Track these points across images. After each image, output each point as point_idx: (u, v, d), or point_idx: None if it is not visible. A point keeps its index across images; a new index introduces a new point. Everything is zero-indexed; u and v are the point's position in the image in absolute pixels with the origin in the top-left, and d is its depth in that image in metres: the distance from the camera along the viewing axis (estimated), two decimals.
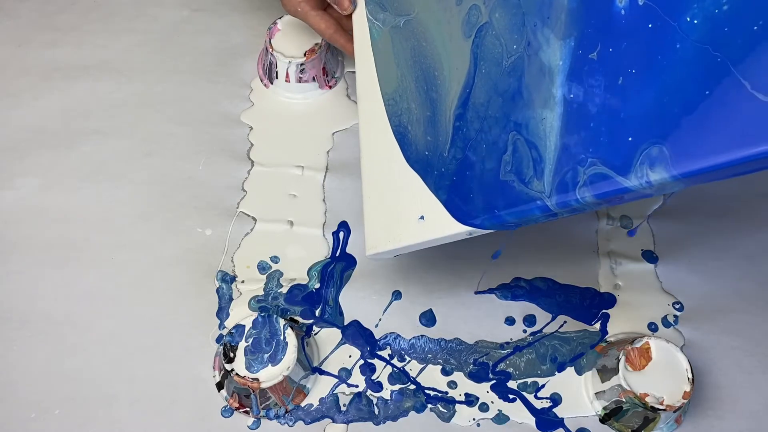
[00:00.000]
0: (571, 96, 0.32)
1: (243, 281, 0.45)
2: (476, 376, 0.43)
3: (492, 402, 0.42)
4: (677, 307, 0.46)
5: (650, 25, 0.30)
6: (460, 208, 0.37)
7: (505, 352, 0.44)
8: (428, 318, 0.45)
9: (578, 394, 0.43)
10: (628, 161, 0.30)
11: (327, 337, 0.44)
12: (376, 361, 0.43)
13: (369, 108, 0.42)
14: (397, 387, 0.43)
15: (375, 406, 0.42)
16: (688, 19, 0.28)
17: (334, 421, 0.41)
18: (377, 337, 0.44)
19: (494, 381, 0.43)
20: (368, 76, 0.43)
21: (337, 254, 0.47)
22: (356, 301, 0.45)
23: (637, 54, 0.30)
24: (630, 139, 0.30)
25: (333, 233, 0.47)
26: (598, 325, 0.45)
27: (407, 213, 0.39)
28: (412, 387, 0.43)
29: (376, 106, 0.42)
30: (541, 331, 0.45)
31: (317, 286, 0.45)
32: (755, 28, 0.27)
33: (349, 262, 0.46)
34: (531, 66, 0.34)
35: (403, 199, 0.39)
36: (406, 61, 0.41)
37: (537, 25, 0.34)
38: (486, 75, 0.37)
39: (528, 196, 0.34)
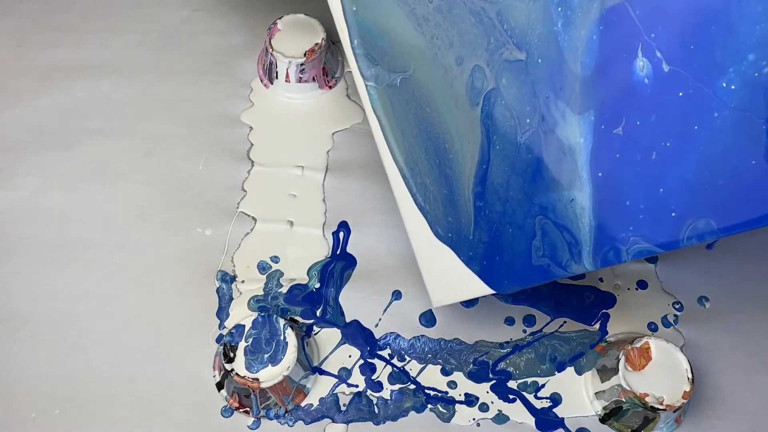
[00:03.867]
0: (600, 175, 0.30)
1: (243, 281, 0.45)
2: (476, 376, 0.43)
3: (492, 402, 0.42)
4: (677, 307, 0.46)
5: (681, 94, 0.27)
6: (497, 288, 0.36)
7: (505, 351, 0.44)
8: (428, 318, 0.45)
9: (578, 394, 0.43)
10: (674, 237, 0.29)
11: (327, 337, 0.44)
12: (376, 361, 0.43)
13: (392, 175, 0.38)
14: (397, 387, 0.43)
15: (375, 406, 0.42)
16: (725, 84, 0.26)
17: (334, 421, 0.41)
18: (377, 337, 0.44)
19: (494, 381, 0.43)
20: (380, 141, 0.38)
21: (338, 254, 0.47)
22: (356, 301, 0.45)
23: (670, 126, 0.28)
24: (673, 214, 0.29)
25: (333, 233, 0.47)
26: (597, 325, 0.45)
27: (464, 271, 0.37)
28: (412, 387, 0.43)
29: (396, 176, 0.38)
30: (540, 330, 0.45)
31: (317, 285, 0.45)
32: None
33: (349, 261, 0.46)
34: (549, 145, 0.32)
35: (451, 262, 0.37)
36: (411, 129, 0.37)
37: (550, 97, 0.31)
38: (501, 152, 0.33)
39: (568, 275, 0.33)
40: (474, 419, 0.42)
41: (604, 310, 0.46)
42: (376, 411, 0.42)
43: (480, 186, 0.35)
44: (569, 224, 0.32)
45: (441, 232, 0.37)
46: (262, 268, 0.46)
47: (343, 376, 0.43)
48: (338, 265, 0.46)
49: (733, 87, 0.26)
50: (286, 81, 0.52)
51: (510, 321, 0.45)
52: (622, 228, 0.30)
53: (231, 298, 0.45)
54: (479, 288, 0.36)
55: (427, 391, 0.42)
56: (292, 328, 0.41)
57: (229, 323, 0.44)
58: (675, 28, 0.27)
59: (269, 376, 0.39)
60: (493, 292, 0.36)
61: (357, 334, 0.44)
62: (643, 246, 0.30)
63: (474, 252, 0.36)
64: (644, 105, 0.29)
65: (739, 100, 0.26)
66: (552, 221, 0.32)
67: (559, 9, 0.30)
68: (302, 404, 0.42)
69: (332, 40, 0.54)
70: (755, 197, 0.27)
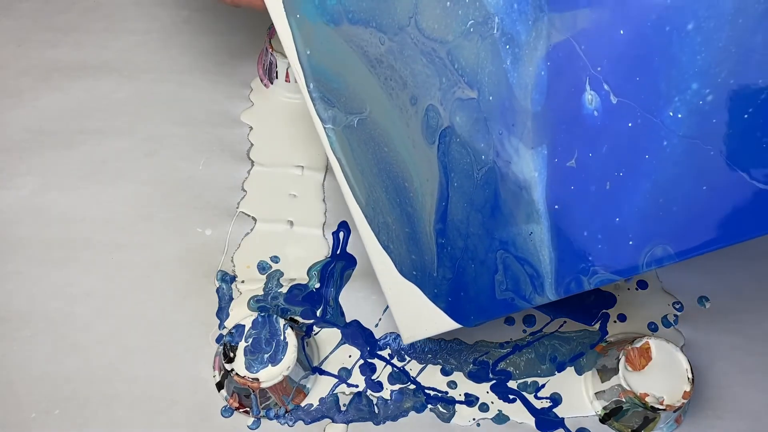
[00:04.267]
0: (556, 207, 0.31)
1: (243, 281, 0.45)
2: (476, 376, 0.43)
3: (492, 402, 0.42)
4: (677, 307, 0.46)
5: (630, 124, 0.28)
6: (464, 323, 0.36)
7: (505, 351, 0.44)
8: None
9: (578, 394, 0.43)
10: (633, 265, 0.30)
11: (327, 337, 0.44)
12: (376, 361, 0.43)
13: (356, 215, 0.38)
14: (397, 387, 0.43)
15: (375, 406, 0.42)
16: (671, 113, 0.27)
17: (334, 421, 0.41)
18: (377, 337, 0.44)
19: (494, 381, 0.43)
20: (342, 182, 0.38)
21: (338, 254, 0.47)
22: (356, 300, 0.45)
23: (621, 156, 0.29)
24: (631, 243, 0.29)
25: (333, 233, 0.47)
26: (597, 325, 0.45)
27: (431, 307, 0.37)
28: (412, 387, 0.43)
29: (360, 216, 0.38)
30: (540, 330, 0.45)
31: (317, 285, 0.45)
32: (745, 116, 0.26)
33: (349, 261, 0.46)
34: (504, 180, 0.32)
35: (418, 299, 0.38)
36: (370, 169, 0.37)
37: (503, 133, 0.32)
38: (459, 189, 0.34)
39: (533, 307, 0.33)
40: (474, 419, 0.42)
41: (604, 310, 0.46)
42: (376, 411, 0.42)
43: (441, 223, 0.35)
44: (530, 257, 0.33)
45: (405, 270, 0.38)
46: (262, 268, 0.46)
47: (343, 376, 0.43)
48: (338, 265, 0.46)
49: (679, 116, 0.27)
50: (286, 81, 0.52)
51: (510, 321, 0.45)
52: (581, 258, 0.31)
53: (231, 298, 0.45)
54: (447, 323, 0.37)
55: (427, 391, 0.42)
56: (292, 328, 0.41)
57: (229, 323, 0.44)
58: (620, 61, 0.28)
59: (269, 376, 0.39)
60: (460, 326, 0.37)
61: (357, 334, 0.44)
62: (604, 276, 0.31)
63: (439, 289, 0.37)
64: (595, 137, 0.29)
65: (686, 128, 0.27)
66: (513, 255, 0.33)
67: (507, 47, 0.30)
68: (302, 404, 0.42)
69: None
70: (708, 222, 0.28)
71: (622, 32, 0.27)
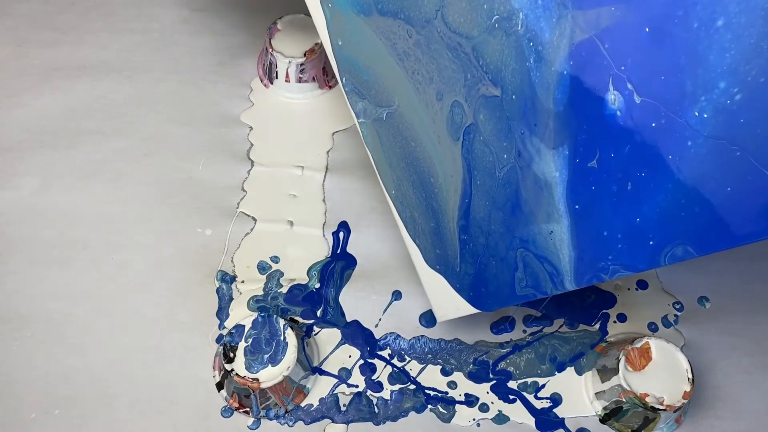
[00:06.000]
0: (577, 207, 0.31)
1: (243, 281, 0.45)
2: (476, 377, 0.43)
3: (492, 402, 0.42)
4: (677, 307, 0.46)
5: (654, 124, 0.27)
6: (486, 309, 0.37)
7: (505, 351, 0.44)
8: (428, 318, 0.45)
9: (578, 394, 0.43)
10: (654, 264, 0.29)
11: (327, 337, 0.44)
12: (376, 361, 0.43)
13: (391, 206, 0.40)
14: (397, 387, 0.43)
15: (375, 406, 0.42)
16: (697, 113, 0.26)
17: (334, 421, 0.41)
18: (377, 337, 0.44)
19: (494, 381, 0.43)
20: (376, 173, 0.39)
21: (338, 254, 0.47)
22: (356, 301, 0.45)
23: (644, 156, 0.28)
24: (651, 243, 0.29)
25: (333, 233, 0.47)
26: (598, 325, 0.45)
27: (456, 296, 0.38)
28: (412, 387, 0.43)
29: (391, 207, 0.39)
30: (541, 330, 0.45)
31: (317, 286, 0.45)
32: None
33: (349, 261, 0.46)
34: (525, 179, 0.32)
35: (445, 287, 0.39)
36: (398, 162, 0.37)
37: (524, 133, 0.31)
38: (482, 187, 0.34)
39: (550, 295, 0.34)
40: (474, 419, 0.42)
41: (604, 310, 0.46)
42: (376, 411, 0.42)
43: (464, 219, 0.36)
44: (550, 256, 0.33)
45: (430, 263, 0.38)
46: (262, 268, 0.46)
47: (343, 376, 0.43)
48: (338, 265, 0.46)
49: (705, 115, 0.26)
50: (286, 81, 0.52)
51: (510, 321, 0.45)
52: (601, 257, 0.31)
53: (231, 299, 0.45)
54: (471, 310, 0.38)
55: (427, 391, 0.42)
56: (292, 329, 0.41)
57: (229, 323, 0.44)
58: (645, 60, 0.27)
59: (269, 376, 0.39)
60: (486, 311, 0.38)
61: (357, 334, 0.44)
62: (624, 274, 0.31)
63: (461, 283, 0.37)
64: (617, 137, 0.29)
65: (712, 128, 0.26)
66: (533, 253, 0.33)
67: (531, 44, 0.30)
68: (302, 404, 0.42)
69: None
70: (731, 223, 0.27)
71: (647, 30, 0.27)
